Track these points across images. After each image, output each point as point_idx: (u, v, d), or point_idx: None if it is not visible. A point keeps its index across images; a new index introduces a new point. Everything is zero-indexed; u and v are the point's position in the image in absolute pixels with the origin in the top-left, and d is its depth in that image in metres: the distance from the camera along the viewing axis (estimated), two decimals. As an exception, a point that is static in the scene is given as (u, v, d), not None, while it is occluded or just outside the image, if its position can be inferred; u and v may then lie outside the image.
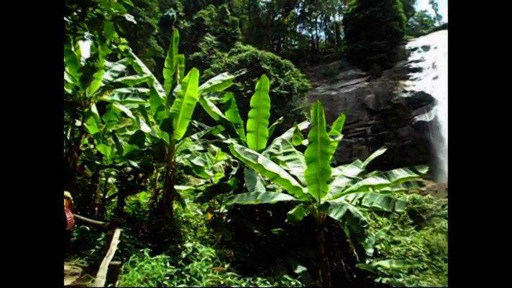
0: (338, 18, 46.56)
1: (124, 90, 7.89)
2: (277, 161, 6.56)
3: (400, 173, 5.10)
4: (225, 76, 8.59)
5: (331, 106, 27.05)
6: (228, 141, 6.67)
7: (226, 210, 7.74)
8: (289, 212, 5.70)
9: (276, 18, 43.19)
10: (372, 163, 7.99)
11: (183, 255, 5.57)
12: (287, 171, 5.95)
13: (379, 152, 7.99)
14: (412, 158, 23.57)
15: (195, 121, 7.92)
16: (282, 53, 36.48)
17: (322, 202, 5.29)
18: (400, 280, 7.99)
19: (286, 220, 6.25)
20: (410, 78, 28.51)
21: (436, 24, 44.02)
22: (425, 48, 31.38)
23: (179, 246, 5.82)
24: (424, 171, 4.95)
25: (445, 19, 45.39)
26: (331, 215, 4.79)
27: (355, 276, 7.49)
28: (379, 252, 8.98)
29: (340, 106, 27.62)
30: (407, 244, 9.58)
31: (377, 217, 10.84)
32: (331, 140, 5.87)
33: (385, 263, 7.44)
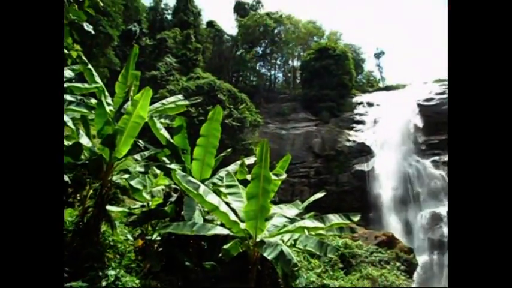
0: (296, 63, 49.55)
1: (68, 97, 7.41)
2: (219, 193, 6.50)
3: (335, 218, 5.34)
4: (179, 100, 8.52)
5: (280, 144, 27.92)
6: (172, 166, 6.51)
7: (159, 238, 7.35)
8: (225, 247, 5.60)
9: (238, 53, 44.63)
10: (312, 204, 8.26)
11: (103, 283, 5.12)
12: (227, 204, 5.91)
13: (319, 195, 8.31)
14: (348, 203, 24.76)
15: (140, 141, 7.64)
16: (239, 86, 37.38)
17: (258, 239, 5.30)
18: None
19: (221, 254, 6.11)
20: (354, 129, 30.73)
21: (380, 85, 48.79)
22: (370, 104, 34.32)
23: (100, 273, 5.34)
24: (356, 218, 5.25)
25: (388, 81, 50.55)
26: (265, 254, 4.80)
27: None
28: (307, 295, 9.05)
29: (288, 145, 28.61)
30: (335, 288, 9.79)
31: (310, 259, 11.03)
32: (274, 178, 6.02)
33: (312, 306, 7.49)
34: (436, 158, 26.39)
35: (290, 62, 50.46)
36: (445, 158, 26.01)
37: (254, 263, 5.64)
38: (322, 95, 34.04)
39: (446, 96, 30.62)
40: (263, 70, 49.02)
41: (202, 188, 5.35)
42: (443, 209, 23.29)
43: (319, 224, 5.28)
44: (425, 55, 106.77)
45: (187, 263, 6.19)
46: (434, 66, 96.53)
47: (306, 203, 8.19)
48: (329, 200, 15.99)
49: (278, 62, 49.60)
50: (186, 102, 8.40)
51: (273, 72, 49.50)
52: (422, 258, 21.28)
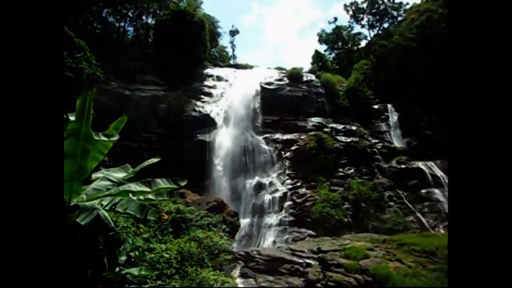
0: (150, 20, 45.91)
1: None
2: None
3: (162, 183, 5.35)
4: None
5: (122, 105, 25.66)
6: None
7: None
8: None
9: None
10: (150, 171, 7.98)
11: None
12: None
13: (153, 160, 8.14)
14: (188, 171, 25.28)
15: None
16: (78, 30, 31.81)
17: (71, 204, 4.76)
18: (147, 286, 8.16)
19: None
20: (202, 100, 31.40)
21: (231, 62, 51.29)
22: (219, 78, 35.63)
23: None
24: (183, 183, 5.41)
25: (238, 60, 53.54)
26: (78, 220, 4.37)
27: (100, 286, 7.07)
28: (132, 260, 8.90)
29: (131, 108, 26.64)
30: (161, 251, 9.99)
31: (139, 224, 10.80)
32: (104, 139, 5.47)
33: (134, 270, 7.42)
34: (268, 135, 30.13)
35: (144, 17, 46.33)
36: (275, 135, 30.07)
37: (69, 230, 5.07)
38: (174, 61, 33.02)
39: (283, 82, 35.04)
40: (111, 19, 43.25)
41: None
42: (266, 180, 27.08)
43: (146, 188, 5.19)
44: (274, 43, 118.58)
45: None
46: (277, 55, 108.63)
47: (138, 168, 7.88)
48: (169, 168, 15.92)
49: (130, 14, 44.69)
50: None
51: (122, 24, 44.34)
52: (245, 221, 24.35)
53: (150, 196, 6.41)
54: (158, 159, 8.37)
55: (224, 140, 28.19)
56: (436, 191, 25.79)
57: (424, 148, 30.35)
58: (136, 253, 8.91)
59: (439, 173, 26.83)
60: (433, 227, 22.93)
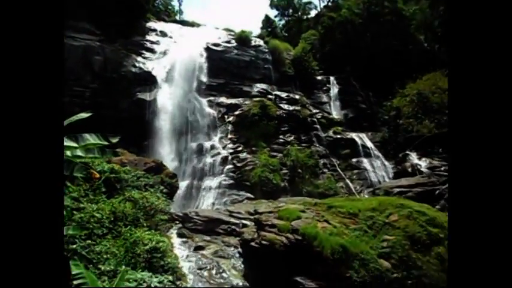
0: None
1: None
2: None
3: (91, 138, 5.02)
4: None
5: (49, 53, 22.93)
6: None
7: None
8: None
9: None
10: (83, 131, 7.36)
11: None
12: None
13: (83, 115, 7.52)
14: (125, 130, 23.99)
15: None
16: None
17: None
18: (75, 246, 7.86)
19: None
20: (143, 55, 29.35)
21: (177, 17, 48.13)
22: (163, 34, 33.38)
23: None
24: (114, 140, 5.12)
25: (184, 16, 50.42)
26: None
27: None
28: (59, 219, 8.43)
29: (60, 57, 23.93)
30: (92, 211, 9.61)
31: (67, 182, 10.17)
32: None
33: (59, 229, 7.02)
34: (212, 98, 29.60)
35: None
36: (219, 99, 29.65)
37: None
38: (114, 9, 29.95)
39: (230, 45, 34.08)
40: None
41: None
42: (208, 143, 26.98)
43: (72, 143, 4.82)
44: (224, 2, 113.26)
45: None
46: (227, 15, 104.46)
47: (66, 122, 7.25)
48: (104, 126, 14.92)
49: None
50: None
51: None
52: (185, 183, 24.30)
53: (79, 152, 5.98)
54: (89, 114, 7.77)
55: (166, 101, 27.06)
56: (365, 160, 28.15)
57: (359, 120, 32.57)
58: (64, 213, 8.44)
59: (369, 144, 29.18)
60: (359, 192, 25.27)
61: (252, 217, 17.24)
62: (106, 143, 5.04)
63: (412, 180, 25.75)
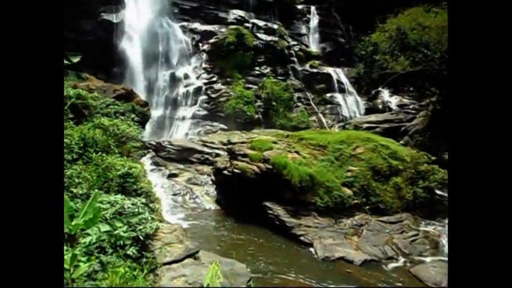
0: None
1: None
2: None
3: (50, 56, 4.63)
4: None
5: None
6: None
7: None
8: None
9: None
10: None
11: None
12: None
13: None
14: (92, 55, 22.41)
15: None
16: None
17: None
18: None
19: None
20: (106, -31, 26.12)
21: None
22: None
23: None
24: (75, 59, 4.78)
25: None
26: None
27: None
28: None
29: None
30: (59, 136, 9.34)
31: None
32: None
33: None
34: (185, 24, 27.68)
35: None
36: (193, 25, 27.78)
37: None
38: None
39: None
40: None
41: None
42: (180, 71, 25.98)
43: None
44: None
45: None
46: None
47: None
48: (67, 50, 13.76)
49: None
50: None
51: None
52: (157, 112, 23.89)
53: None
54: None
55: (135, 24, 25.04)
56: (339, 95, 28.50)
57: (336, 55, 32.08)
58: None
59: (344, 79, 29.26)
60: (330, 126, 26.05)
61: (225, 147, 17.62)
62: (67, 62, 4.67)
63: (381, 117, 26.72)
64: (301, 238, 11.63)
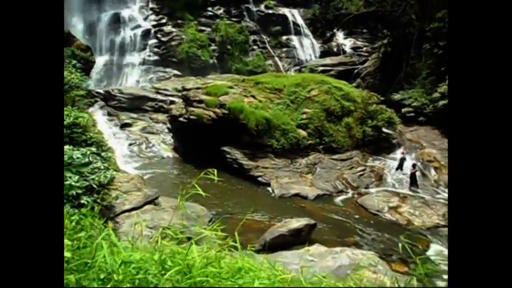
0: None
1: None
2: None
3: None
4: None
5: None
6: None
7: None
8: None
9: None
10: None
11: None
12: None
13: None
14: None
15: None
16: None
17: None
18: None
19: None
20: None
21: None
22: None
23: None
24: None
25: None
26: None
27: None
28: None
29: None
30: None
31: None
32: None
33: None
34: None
35: None
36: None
37: None
38: None
39: None
40: None
41: None
42: (125, 12, 23.71)
43: None
44: None
45: None
46: None
47: None
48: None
49: None
50: None
51: None
52: (102, 59, 22.07)
53: None
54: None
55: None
56: (294, 38, 28.05)
57: (292, -6, 30.84)
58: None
59: (299, 21, 28.61)
60: (286, 70, 25.97)
61: (179, 94, 17.04)
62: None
63: (336, 60, 27.04)
64: (259, 179, 12.13)
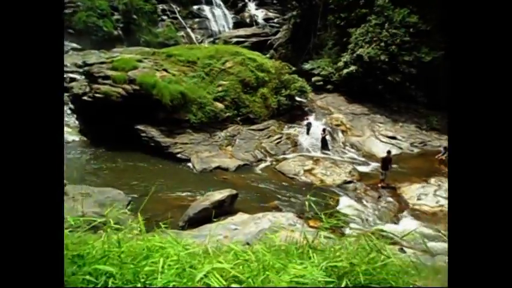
0: None
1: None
2: None
3: None
4: None
5: None
6: None
7: None
8: None
9: None
10: None
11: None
12: None
13: None
14: None
15: None
16: None
17: None
18: None
19: None
20: None
21: None
22: None
23: None
24: None
25: None
26: None
27: None
28: None
29: None
30: None
31: None
32: None
33: None
34: None
35: None
36: None
37: None
38: None
39: None
40: None
41: None
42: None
43: None
44: None
45: None
46: None
47: None
48: None
49: None
50: None
51: None
52: None
53: None
54: None
55: None
56: (206, 8, 27.09)
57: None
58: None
59: (210, -11, 27.60)
60: (199, 42, 25.12)
61: (81, 70, 15.22)
62: None
63: (249, 31, 27.04)
64: (179, 156, 11.83)
